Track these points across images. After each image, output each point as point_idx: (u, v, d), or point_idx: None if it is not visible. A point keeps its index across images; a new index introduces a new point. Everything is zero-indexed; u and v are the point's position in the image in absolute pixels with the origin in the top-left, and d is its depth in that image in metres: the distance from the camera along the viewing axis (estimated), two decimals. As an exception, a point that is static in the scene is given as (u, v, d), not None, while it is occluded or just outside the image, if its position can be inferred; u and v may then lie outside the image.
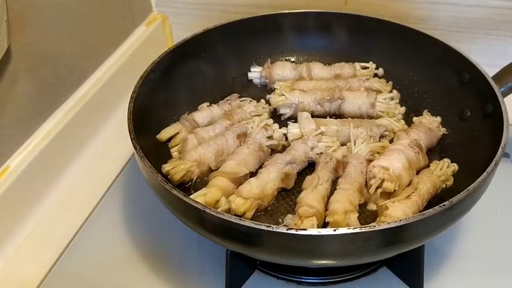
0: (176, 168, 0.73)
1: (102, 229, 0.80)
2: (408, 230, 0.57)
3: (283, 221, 0.70)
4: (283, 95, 0.88)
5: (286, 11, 0.96)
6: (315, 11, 0.96)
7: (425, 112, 0.86)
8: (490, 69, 0.78)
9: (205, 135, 0.80)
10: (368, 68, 0.95)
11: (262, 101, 0.91)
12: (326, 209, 0.69)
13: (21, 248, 0.79)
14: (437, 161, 0.76)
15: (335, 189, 0.72)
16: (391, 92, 0.90)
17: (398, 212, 0.65)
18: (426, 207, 0.69)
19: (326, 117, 0.87)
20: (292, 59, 1.00)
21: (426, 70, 0.89)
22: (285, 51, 1.00)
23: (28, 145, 0.83)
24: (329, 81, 0.92)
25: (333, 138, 0.81)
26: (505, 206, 0.82)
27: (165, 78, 0.83)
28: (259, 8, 1.05)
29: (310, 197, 0.69)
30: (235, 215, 0.64)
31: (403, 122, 0.85)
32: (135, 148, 0.66)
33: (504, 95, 0.75)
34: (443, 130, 0.82)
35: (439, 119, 0.84)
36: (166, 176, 0.73)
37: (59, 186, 0.88)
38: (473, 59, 0.80)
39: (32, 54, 0.81)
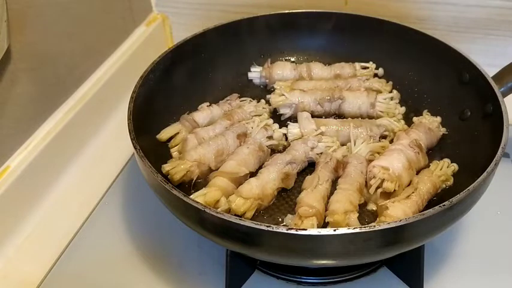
0: (176, 168, 0.73)
1: (102, 229, 0.80)
2: (408, 230, 0.57)
3: (283, 221, 0.70)
4: (283, 95, 0.88)
5: (287, 11, 0.96)
6: (315, 11, 0.96)
7: (425, 112, 0.86)
8: (490, 69, 0.78)
9: (205, 135, 0.80)
10: (368, 68, 0.95)
11: (262, 101, 0.91)
12: (326, 209, 0.69)
13: (21, 248, 0.79)
14: (437, 161, 0.76)
15: (335, 189, 0.72)
16: (391, 92, 0.90)
17: (398, 212, 0.65)
18: (426, 207, 0.69)
19: (326, 117, 0.87)
20: (292, 59, 1.00)
21: (426, 70, 0.89)
22: (285, 51, 1.00)
23: (28, 145, 0.83)
24: (329, 81, 0.92)
25: (333, 138, 0.81)
26: (505, 206, 0.82)
27: (165, 78, 0.83)
28: (259, 8, 1.05)
29: (310, 197, 0.69)
30: (235, 215, 0.64)
31: (403, 122, 0.85)
32: (135, 148, 0.66)
33: (504, 95, 0.75)
34: (443, 130, 0.82)
35: (439, 119, 0.84)
36: (166, 176, 0.73)
37: (59, 186, 0.88)
38: (473, 59, 0.80)
39: (32, 54, 0.81)
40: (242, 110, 0.86)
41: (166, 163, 0.74)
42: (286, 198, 0.75)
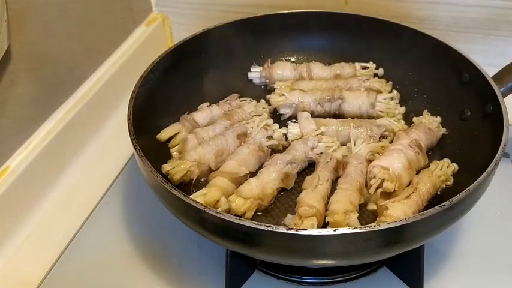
0: (176, 168, 0.73)
1: (102, 229, 0.80)
2: (408, 230, 0.57)
3: (283, 221, 0.70)
4: (283, 95, 0.88)
5: (286, 11, 0.96)
6: (315, 11, 0.96)
7: (425, 112, 0.86)
8: (490, 69, 0.78)
9: (205, 135, 0.80)
10: (368, 68, 0.95)
11: (262, 101, 0.91)
12: (326, 209, 0.69)
13: (21, 248, 0.79)
14: (437, 161, 0.76)
15: (335, 189, 0.72)
16: (391, 92, 0.90)
17: (398, 212, 0.65)
18: (426, 207, 0.69)
19: (326, 117, 0.87)
20: (292, 59, 1.00)
21: (426, 70, 0.89)
22: (285, 51, 1.00)
23: (28, 145, 0.83)
24: (329, 81, 0.92)
25: (333, 138, 0.81)
26: (505, 206, 0.82)
27: (165, 78, 0.83)
28: (259, 8, 1.05)
29: (310, 197, 0.69)
30: (235, 215, 0.64)
31: (403, 122, 0.85)
32: (135, 148, 0.66)
33: (504, 95, 0.75)
34: (443, 130, 0.82)
35: (439, 119, 0.84)
36: (166, 176, 0.73)
37: (59, 186, 0.88)
38: (473, 59, 0.80)
39: (32, 54, 0.81)
40: (242, 110, 0.86)
41: (166, 163, 0.74)
42: (286, 198, 0.75)
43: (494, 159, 0.63)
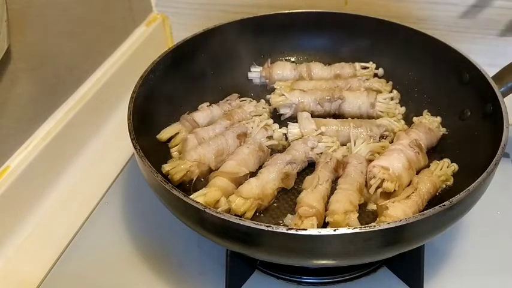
0: (176, 168, 0.73)
1: (102, 229, 0.80)
2: (408, 230, 0.57)
3: (283, 221, 0.70)
4: (283, 95, 0.88)
5: (286, 11, 0.96)
6: (315, 11, 0.96)
7: (425, 112, 0.86)
8: (490, 69, 0.78)
9: (205, 135, 0.80)
10: (368, 68, 0.95)
11: (262, 101, 0.91)
12: (326, 209, 0.69)
13: (21, 248, 0.79)
14: (437, 161, 0.76)
15: (335, 189, 0.72)
16: (391, 92, 0.90)
17: (398, 212, 0.65)
18: (426, 207, 0.69)
19: (326, 117, 0.87)
20: (292, 59, 1.00)
21: (426, 70, 0.89)
22: (285, 51, 1.00)
23: (28, 145, 0.83)
24: (329, 81, 0.92)
25: (333, 138, 0.81)
26: (505, 206, 0.82)
27: (165, 78, 0.83)
28: (259, 8, 1.05)
29: (310, 197, 0.69)
30: (235, 215, 0.64)
31: (403, 122, 0.85)
32: (135, 148, 0.66)
33: (504, 95, 0.75)
34: (443, 130, 0.82)
35: (439, 119, 0.84)
36: (166, 176, 0.73)
37: (59, 186, 0.88)
38: (473, 59, 0.80)
39: (32, 54, 0.81)
40: (242, 110, 0.86)
41: (166, 163, 0.74)
42: (286, 198, 0.75)
43: (494, 159, 0.63)
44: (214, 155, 0.76)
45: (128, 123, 0.70)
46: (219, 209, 0.65)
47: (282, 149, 0.81)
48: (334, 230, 0.54)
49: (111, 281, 0.73)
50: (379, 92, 0.89)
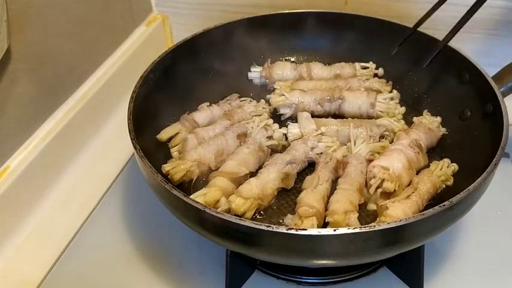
0: (176, 168, 0.73)
1: (102, 229, 0.80)
2: (408, 230, 0.57)
3: (283, 221, 0.70)
4: (283, 95, 0.88)
5: (286, 11, 0.96)
6: (315, 11, 0.96)
7: (425, 112, 0.86)
8: (490, 69, 0.78)
9: (205, 135, 0.80)
10: (368, 68, 0.95)
11: (262, 101, 0.91)
12: (326, 209, 0.69)
13: (21, 248, 0.79)
14: (437, 161, 0.76)
15: (335, 189, 0.72)
16: (391, 92, 0.90)
17: (398, 212, 0.65)
18: (426, 207, 0.69)
19: (326, 117, 0.87)
20: (292, 59, 1.00)
21: (426, 70, 0.89)
22: (285, 51, 1.00)
23: (28, 145, 0.83)
24: (329, 81, 0.92)
25: (333, 138, 0.81)
26: (505, 206, 0.82)
27: (165, 78, 0.83)
28: (259, 8, 1.05)
29: (310, 197, 0.69)
30: (235, 215, 0.64)
31: (403, 122, 0.85)
32: (135, 148, 0.66)
33: (504, 95, 0.75)
34: (443, 130, 0.82)
35: (439, 119, 0.84)
36: (166, 176, 0.73)
37: (59, 186, 0.88)
38: (473, 59, 0.80)
39: (32, 54, 0.81)
40: (242, 110, 0.86)
41: (166, 163, 0.74)
42: (286, 198, 0.75)
43: (494, 159, 0.63)
44: (214, 155, 0.76)
45: (128, 123, 0.70)
46: (219, 209, 0.65)
47: (282, 149, 0.81)
48: (334, 230, 0.54)
49: (111, 281, 0.73)
50: (379, 92, 0.89)
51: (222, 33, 0.91)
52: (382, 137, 0.82)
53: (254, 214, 0.70)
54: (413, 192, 0.69)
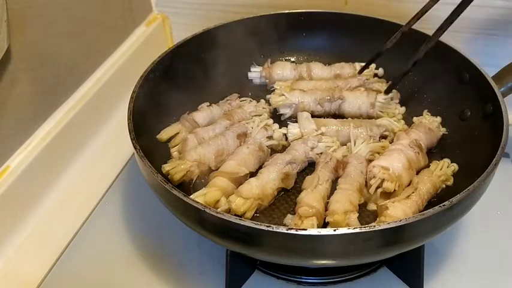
0: (176, 168, 0.73)
1: (102, 229, 0.80)
2: (408, 230, 0.57)
3: (283, 221, 0.70)
4: (283, 95, 0.88)
5: (286, 11, 0.96)
6: (315, 11, 0.96)
7: (425, 112, 0.86)
8: (490, 69, 0.78)
9: (205, 135, 0.80)
10: (368, 68, 0.95)
11: (262, 101, 0.91)
12: (326, 209, 0.69)
13: (21, 248, 0.79)
14: (437, 161, 0.76)
15: (335, 189, 0.72)
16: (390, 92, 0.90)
17: (398, 212, 0.65)
18: (426, 207, 0.69)
19: (326, 117, 0.87)
20: (292, 59, 1.00)
21: (426, 70, 0.89)
22: (285, 51, 1.00)
23: (28, 145, 0.83)
24: (329, 81, 0.92)
25: (333, 138, 0.81)
26: (505, 206, 0.82)
27: (165, 78, 0.83)
28: (259, 8, 1.05)
29: (310, 197, 0.69)
30: (235, 215, 0.64)
31: (403, 122, 0.85)
32: (135, 148, 0.66)
33: (504, 95, 0.75)
34: (443, 130, 0.82)
35: (439, 119, 0.84)
36: (166, 176, 0.73)
37: (59, 186, 0.88)
38: (473, 59, 0.80)
39: (32, 54, 0.81)
40: (242, 110, 0.86)
41: (166, 163, 0.74)
42: (286, 198, 0.75)
43: (494, 159, 0.63)
44: (214, 155, 0.76)
45: (128, 123, 0.70)
46: (219, 209, 0.65)
47: (282, 149, 0.81)
48: (334, 230, 0.54)
49: (111, 281, 0.73)
50: (379, 92, 0.89)
51: (222, 33, 0.91)
52: (382, 137, 0.82)
53: (254, 214, 0.70)
54: (413, 192, 0.69)
